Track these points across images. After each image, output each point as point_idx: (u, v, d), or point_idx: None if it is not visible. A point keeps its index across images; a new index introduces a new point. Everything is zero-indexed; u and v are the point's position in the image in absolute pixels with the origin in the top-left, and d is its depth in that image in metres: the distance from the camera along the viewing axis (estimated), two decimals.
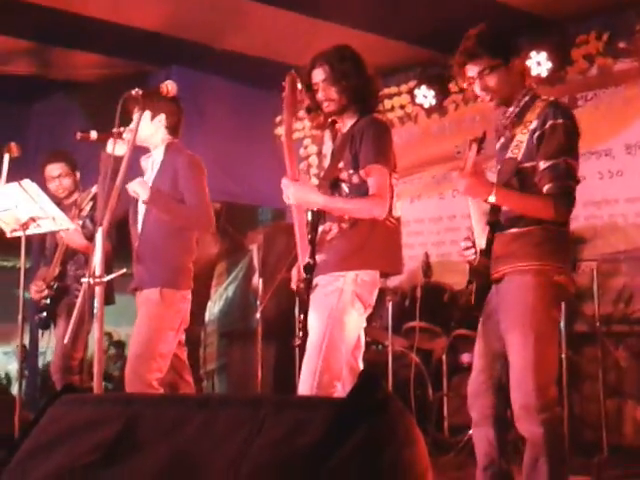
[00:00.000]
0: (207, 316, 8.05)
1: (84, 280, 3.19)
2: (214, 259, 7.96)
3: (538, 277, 2.95)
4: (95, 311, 3.14)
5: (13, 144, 4.50)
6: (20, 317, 4.49)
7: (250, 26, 6.16)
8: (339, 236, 3.31)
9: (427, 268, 5.80)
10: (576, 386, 5.26)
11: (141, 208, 4.07)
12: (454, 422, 5.52)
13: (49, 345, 5.26)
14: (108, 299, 4.53)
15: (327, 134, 3.69)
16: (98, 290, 3.13)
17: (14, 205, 4.28)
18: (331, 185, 3.31)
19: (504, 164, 3.09)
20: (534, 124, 3.00)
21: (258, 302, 6.31)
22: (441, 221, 6.90)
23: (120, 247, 4.66)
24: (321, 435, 1.45)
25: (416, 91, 6.76)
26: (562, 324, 4.55)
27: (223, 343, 8.04)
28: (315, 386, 3.14)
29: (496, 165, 3.23)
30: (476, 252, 3.08)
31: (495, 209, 3.04)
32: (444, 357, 5.77)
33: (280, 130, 7.04)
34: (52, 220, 4.37)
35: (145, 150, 4.15)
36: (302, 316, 3.27)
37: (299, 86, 3.38)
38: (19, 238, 4.42)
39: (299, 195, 3.27)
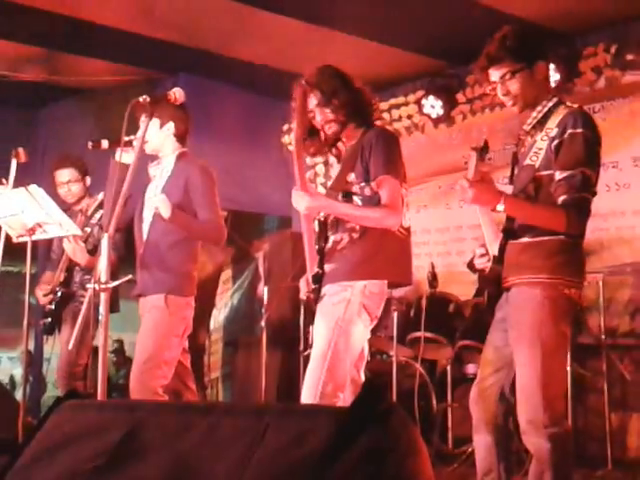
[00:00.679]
0: (212, 324, 8.05)
1: (89, 286, 3.19)
2: (220, 267, 7.97)
3: (548, 291, 2.90)
4: (100, 317, 3.14)
5: (21, 150, 4.51)
6: (25, 322, 4.49)
7: (259, 34, 6.18)
8: (349, 246, 3.31)
9: (433, 278, 5.79)
10: (581, 399, 5.24)
11: (146, 216, 4.07)
12: (458, 433, 5.51)
13: (53, 351, 5.26)
14: (113, 307, 4.53)
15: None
16: (103, 296, 3.13)
17: (21, 210, 4.28)
18: (343, 197, 3.32)
19: (522, 170, 3.06)
20: (554, 132, 2.94)
21: (263, 310, 6.31)
22: (447, 231, 6.89)
23: (126, 254, 4.67)
24: (323, 444, 1.45)
25: (424, 101, 6.76)
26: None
27: (228, 351, 8.03)
28: (318, 395, 3.14)
29: (512, 171, 3.20)
30: (489, 260, 3.06)
31: (510, 216, 3.01)
32: (449, 368, 5.75)
33: (287, 138, 7.05)
34: (58, 226, 4.38)
35: (152, 157, 4.16)
36: (311, 327, 3.27)
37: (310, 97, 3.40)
38: (25, 243, 4.42)
39: (311, 204, 3.28)
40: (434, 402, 5.68)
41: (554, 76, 5.76)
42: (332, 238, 3.32)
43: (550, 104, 3.04)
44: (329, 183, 3.73)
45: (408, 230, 3.41)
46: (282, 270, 6.84)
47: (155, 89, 6.52)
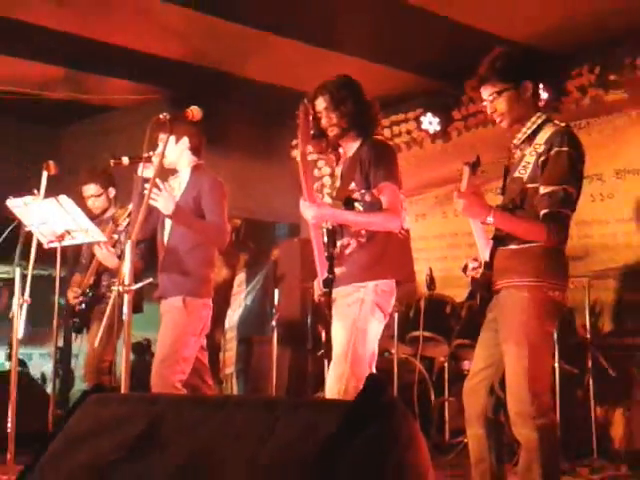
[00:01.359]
0: (227, 323, 8.04)
1: (114, 288, 3.20)
2: (234, 270, 7.97)
3: (533, 293, 2.90)
4: (124, 317, 3.15)
5: (51, 162, 4.52)
6: (55, 322, 4.50)
7: (268, 56, 6.20)
8: (358, 250, 3.33)
9: (431, 282, 5.78)
10: (568, 394, 5.21)
11: (168, 223, 4.08)
12: (454, 425, 5.48)
13: (81, 348, 5.27)
14: (137, 308, 4.54)
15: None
16: (127, 297, 3.14)
17: (51, 219, 4.29)
18: (345, 204, 3.32)
19: (511, 182, 3.06)
20: (542, 148, 2.93)
21: (274, 311, 6.31)
22: (444, 238, 6.88)
23: (150, 260, 4.67)
24: (330, 436, 1.44)
25: (422, 118, 6.76)
26: (555, 336, 4.52)
27: (241, 348, 8.02)
28: (343, 391, 3.13)
29: (504, 182, 3.20)
30: (480, 266, 3.06)
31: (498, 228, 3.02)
32: (446, 364, 5.74)
33: (295, 153, 7.05)
34: (85, 233, 4.38)
35: (173, 171, 4.18)
36: (323, 329, 3.27)
37: (311, 116, 3.42)
38: (55, 249, 4.43)
39: (318, 214, 3.29)
40: (432, 396, 5.67)
41: (542, 94, 5.74)
42: (339, 243, 3.33)
43: (539, 121, 3.03)
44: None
45: (408, 232, 3.44)
46: (292, 274, 6.85)
47: (172, 107, 6.53)
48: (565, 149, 2.90)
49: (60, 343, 7.19)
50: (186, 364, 3.92)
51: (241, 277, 8.25)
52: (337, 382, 3.15)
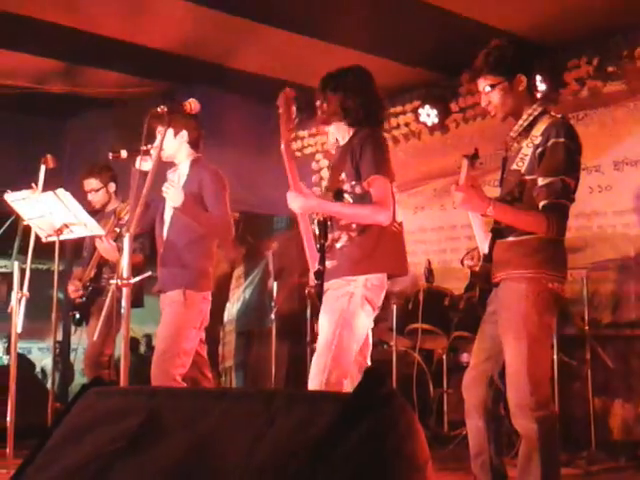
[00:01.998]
0: (226, 316, 8.05)
1: (113, 282, 3.20)
2: (233, 264, 7.97)
3: (532, 285, 2.90)
4: (122, 311, 3.14)
5: (49, 156, 4.51)
6: (54, 316, 4.50)
7: (264, 48, 6.19)
8: (349, 244, 3.29)
9: (429, 274, 5.78)
10: (567, 386, 5.22)
11: (167, 218, 4.08)
12: (453, 417, 5.50)
13: (80, 342, 5.27)
14: (137, 302, 4.54)
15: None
16: (125, 291, 3.14)
17: (49, 212, 4.29)
18: (335, 196, 3.30)
19: (509, 174, 3.06)
20: (538, 140, 2.94)
21: (273, 304, 6.31)
22: (442, 230, 6.88)
23: (151, 254, 4.67)
24: (329, 427, 1.45)
25: (420, 110, 6.76)
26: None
27: (240, 341, 8.04)
28: (324, 382, 3.13)
29: (502, 174, 3.20)
30: (479, 259, 3.06)
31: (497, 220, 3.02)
32: (444, 356, 5.75)
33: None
34: (84, 226, 4.38)
35: (171, 164, 4.17)
36: (316, 322, 3.26)
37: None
38: (53, 243, 4.43)
39: (305, 205, 3.28)
40: (431, 388, 5.69)
41: (541, 86, 5.75)
42: (330, 236, 3.30)
43: (535, 113, 3.03)
44: None
45: (401, 225, 3.40)
46: (290, 267, 6.85)
47: (170, 100, 6.52)
48: (562, 140, 2.90)
49: (59, 337, 7.20)
50: (186, 357, 3.92)
51: (240, 270, 8.25)
52: (319, 373, 3.14)
